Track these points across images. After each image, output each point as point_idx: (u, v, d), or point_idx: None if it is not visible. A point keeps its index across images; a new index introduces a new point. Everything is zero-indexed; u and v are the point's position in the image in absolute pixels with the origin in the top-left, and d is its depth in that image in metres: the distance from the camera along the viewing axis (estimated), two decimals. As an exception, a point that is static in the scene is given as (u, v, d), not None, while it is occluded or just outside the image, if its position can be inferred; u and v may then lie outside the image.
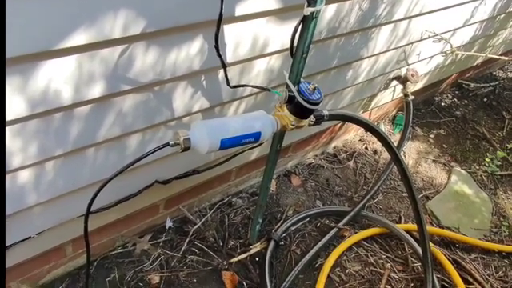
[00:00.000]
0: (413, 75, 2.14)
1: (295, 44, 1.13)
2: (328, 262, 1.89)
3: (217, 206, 2.04)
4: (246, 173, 2.06)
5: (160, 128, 1.29)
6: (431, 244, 2.03)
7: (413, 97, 2.26)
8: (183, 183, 1.66)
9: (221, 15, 0.96)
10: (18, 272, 1.44)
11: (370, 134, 2.68)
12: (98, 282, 1.67)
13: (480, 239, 2.19)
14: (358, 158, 2.54)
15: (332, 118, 1.33)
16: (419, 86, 2.61)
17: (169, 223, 1.84)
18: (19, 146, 1.00)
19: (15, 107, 0.92)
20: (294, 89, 1.15)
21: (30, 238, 1.29)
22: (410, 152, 2.69)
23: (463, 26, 2.27)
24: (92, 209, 1.35)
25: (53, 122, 1.02)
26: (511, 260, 2.14)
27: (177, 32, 1.05)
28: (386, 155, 2.57)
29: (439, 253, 2.01)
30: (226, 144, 1.08)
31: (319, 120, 1.28)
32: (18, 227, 1.22)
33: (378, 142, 2.66)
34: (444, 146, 2.81)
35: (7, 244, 1.25)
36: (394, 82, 2.27)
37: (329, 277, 1.87)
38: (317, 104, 1.16)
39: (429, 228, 2.14)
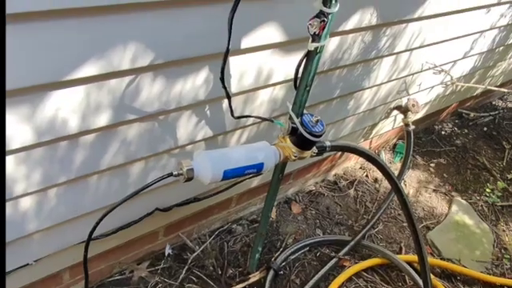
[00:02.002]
0: (413, 105, 2.16)
1: (299, 76, 1.15)
2: (328, 293, 1.86)
3: (216, 232, 2.02)
4: (247, 200, 2.05)
5: (163, 156, 1.29)
6: (432, 276, 2.01)
7: (414, 126, 2.28)
8: (183, 210, 1.65)
9: (227, 50, 0.98)
10: (13, 298, 1.42)
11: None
12: (94, 310, 1.64)
13: (481, 272, 2.16)
14: (358, 186, 2.53)
15: (334, 149, 1.34)
16: (420, 115, 2.63)
17: (168, 250, 1.82)
18: (23, 173, 1.00)
19: (21, 136, 0.92)
20: (297, 121, 1.16)
21: (27, 264, 1.28)
22: (411, 181, 2.69)
23: (463, 58, 2.30)
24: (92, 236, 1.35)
25: (58, 150, 1.02)
26: (513, 294, 2.11)
27: (183, 64, 1.07)
28: (386, 184, 2.57)
29: (441, 286, 1.98)
30: (228, 175, 1.08)
31: (321, 151, 1.29)
32: (16, 254, 1.21)
33: (379, 171, 2.67)
34: (444, 175, 2.81)
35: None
36: (395, 112, 2.29)
37: (329, 308, 1.84)
38: (319, 136, 1.17)
39: (430, 259, 2.12)
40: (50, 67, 0.86)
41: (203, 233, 1.99)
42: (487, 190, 2.70)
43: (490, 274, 2.17)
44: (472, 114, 3.25)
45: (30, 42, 0.80)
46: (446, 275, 2.12)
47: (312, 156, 1.26)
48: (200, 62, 1.10)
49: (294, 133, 1.18)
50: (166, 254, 1.82)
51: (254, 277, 1.86)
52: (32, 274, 1.36)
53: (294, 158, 1.21)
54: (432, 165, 2.87)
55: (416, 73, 2.06)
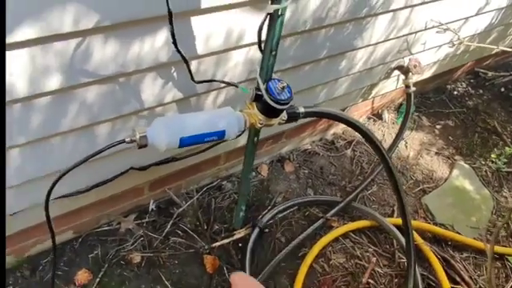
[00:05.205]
0: (415, 66, 2.03)
1: (264, 39, 1.08)
2: (312, 251, 1.88)
3: (205, 189, 2.04)
4: (236, 158, 2.04)
5: (131, 118, 1.27)
6: (422, 241, 1.99)
7: (414, 88, 2.15)
8: (165, 168, 1.65)
9: (170, 13, 0.92)
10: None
11: (372, 122, 2.61)
12: (81, 259, 1.72)
13: (475, 238, 2.12)
14: (356, 146, 2.48)
15: (309, 115, 1.29)
16: (428, 74, 2.49)
17: (152, 205, 1.85)
18: (-22, 134, 1.01)
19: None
20: (262, 87, 1.11)
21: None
22: (412, 143, 2.60)
23: (477, 14, 2.12)
24: (68, 192, 1.38)
25: (12, 113, 1.02)
26: (504, 262, 2.07)
27: (136, 25, 1.01)
28: (385, 145, 2.50)
29: (428, 250, 1.96)
30: (185, 142, 1.06)
31: (293, 118, 1.24)
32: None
33: (380, 131, 2.59)
34: (450, 138, 2.70)
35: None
36: (397, 72, 2.17)
37: (312, 267, 1.87)
38: (285, 104, 1.12)
39: (420, 224, 2.10)
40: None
41: (192, 188, 2.02)
42: (493, 155, 2.59)
43: (482, 241, 2.13)
44: (490, 74, 3.05)
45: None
46: (437, 240, 2.10)
47: (281, 123, 1.22)
48: (155, 23, 1.04)
49: (259, 99, 1.13)
50: (150, 209, 1.87)
51: (239, 233, 1.89)
52: (15, 224, 1.42)
53: (259, 125, 1.17)
54: (438, 127, 2.76)
55: (419, 31, 1.92)
